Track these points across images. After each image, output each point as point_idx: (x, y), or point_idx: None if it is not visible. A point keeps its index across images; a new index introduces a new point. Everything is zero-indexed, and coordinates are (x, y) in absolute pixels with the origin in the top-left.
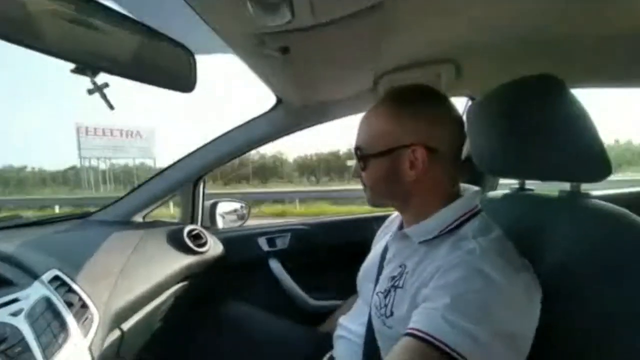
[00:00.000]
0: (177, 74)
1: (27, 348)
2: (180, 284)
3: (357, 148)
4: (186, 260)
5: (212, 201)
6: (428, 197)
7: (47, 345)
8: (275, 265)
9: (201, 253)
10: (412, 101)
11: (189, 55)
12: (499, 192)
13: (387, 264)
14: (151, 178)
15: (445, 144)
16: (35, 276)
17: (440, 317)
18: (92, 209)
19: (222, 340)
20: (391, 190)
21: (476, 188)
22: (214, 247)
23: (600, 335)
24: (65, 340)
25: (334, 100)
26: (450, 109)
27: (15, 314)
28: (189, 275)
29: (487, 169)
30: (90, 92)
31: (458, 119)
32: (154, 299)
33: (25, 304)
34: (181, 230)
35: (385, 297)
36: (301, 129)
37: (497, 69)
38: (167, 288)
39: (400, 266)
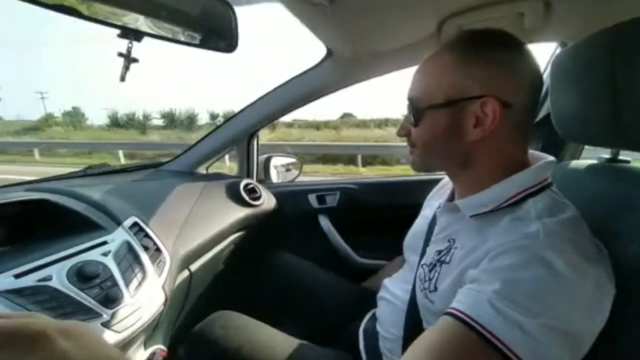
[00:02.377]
0: (217, 33)
1: (115, 283)
2: (238, 234)
3: (410, 99)
4: (242, 212)
5: (266, 155)
6: (489, 164)
7: (129, 282)
8: (324, 221)
9: (256, 206)
10: (484, 45)
11: (229, 10)
12: (581, 162)
13: (434, 236)
14: (211, 132)
15: (520, 99)
16: (118, 222)
17: (486, 302)
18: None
19: (273, 286)
20: (447, 151)
21: (550, 158)
22: (267, 201)
23: None
24: (143, 279)
25: (388, 50)
26: (530, 57)
27: (105, 254)
28: (245, 226)
29: (570, 134)
30: (119, 54)
31: (537, 71)
32: (216, 245)
33: (112, 246)
34: (238, 184)
35: (430, 271)
36: (354, 82)
37: (599, 8)
38: (227, 236)
39: (448, 240)
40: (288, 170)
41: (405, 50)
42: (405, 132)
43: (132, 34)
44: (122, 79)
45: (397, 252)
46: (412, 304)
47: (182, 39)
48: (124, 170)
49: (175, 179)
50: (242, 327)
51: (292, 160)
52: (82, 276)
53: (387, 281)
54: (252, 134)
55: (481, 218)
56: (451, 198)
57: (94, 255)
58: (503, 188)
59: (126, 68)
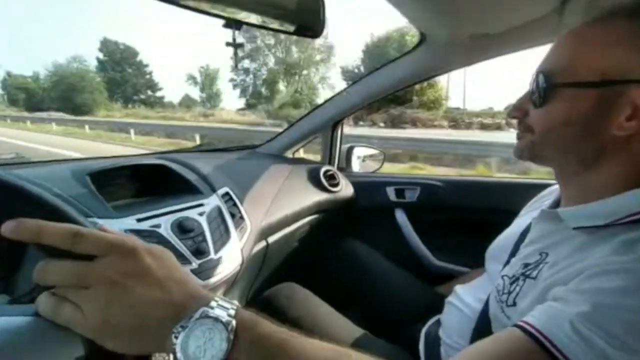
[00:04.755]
0: (306, 18)
1: (204, 239)
2: (314, 216)
3: (542, 72)
4: (320, 196)
5: (348, 145)
6: (623, 170)
7: (216, 240)
8: (400, 216)
9: (333, 192)
10: None
11: (320, 1)
12: None
13: (524, 246)
14: (300, 119)
15: None
16: (214, 189)
17: (566, 322)
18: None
19: (341, 271)
20: (574, 143)
21: None
22: (345, 189)
23: None
24: (227, 239)
25: (493, 32)
26: None
27: (200, 214)
28: (322, 210)
29: None
30: (227, 44)
31: None
32: (293, 223)
33: (206, 209)
34: (318, 170)
35: (512, 283)
36: (451, 69)
37: None
38: (304, 217)
39: (539, 254)
40: (375, 163)
41: (515, 32)
42: (520, 113)
43: (234, 24)
44: (236, 65)
45: (479, 260)
46: (484, 316)
47: (275, 26)
48: (226, 149)
49: (265, 160)
50: (305, 300)
51: (375, 151)
52: (182, 229)
53: (459, 287)
54: (337, 122)
55: (588, 232)
56: (554, 205)
57: (192, 213)
58: (630, 199)
59: (235, 54)
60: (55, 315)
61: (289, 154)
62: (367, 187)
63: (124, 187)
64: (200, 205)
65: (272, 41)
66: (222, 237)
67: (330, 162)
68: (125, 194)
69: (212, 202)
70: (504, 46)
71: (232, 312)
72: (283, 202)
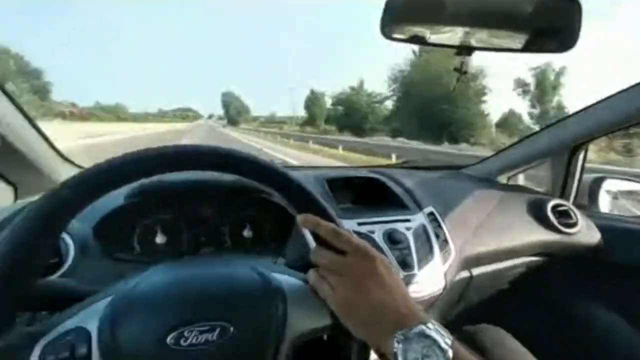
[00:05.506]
0: (558, 32)
1: (410, 253)
2: (534, 258)
3: None
4: (544, 235)
5: (596, 175)
6: None
7: (420, 257)
8: None
9: (567, 234)
10: None
11: (573, 5)
12: None
13: None
14: (520, 140)
15: None
16: (420, 207)
17: None
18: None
19: (569, 339)
20: None
21: None
22: (585, 232)
23: None
24: (430, 259)
25: None
26: None
27: (407, 229)
28: (546, 252)
29: None
30: (454, 69)
31: None
32: (504, 260)
33: (413, 225)
34: (545, 202)
35: None
36: None
37: None
38: (520, 256)
39: None
40: (617, 199)
41: None
42: None
43: (465, 51)
44: (454, 89)
45: None
46: None
47: (511, 45)
48: (429, 167)
49: (473, 183)
50: (515, 354)
51: None
52: (391, 239)
53: None
54: (577, 146)
55: None
56: None
57: (400, 226)
58: None
59: (457, 80)
60: (318, 288)
61: (502, 179)
62: (625, 236)
63: (344, 194)
64: (408, 220)
65: None
66: (426, 255)
67: (563, 195)
68: (345, 199)
69: (419, 219)
70: None
71: (449, 341)
72: (492, 233)
